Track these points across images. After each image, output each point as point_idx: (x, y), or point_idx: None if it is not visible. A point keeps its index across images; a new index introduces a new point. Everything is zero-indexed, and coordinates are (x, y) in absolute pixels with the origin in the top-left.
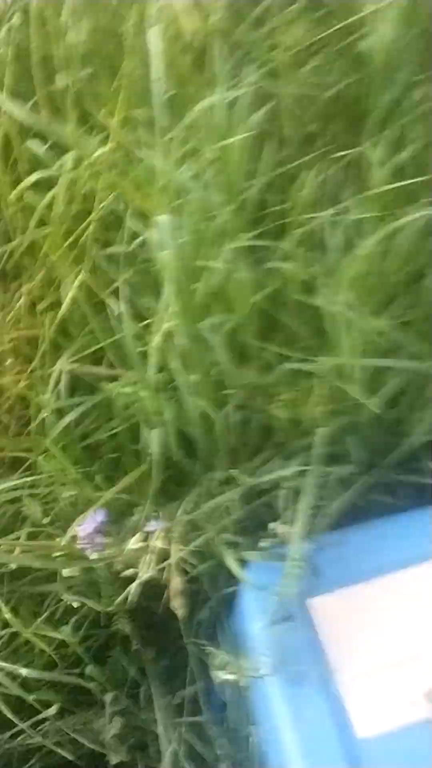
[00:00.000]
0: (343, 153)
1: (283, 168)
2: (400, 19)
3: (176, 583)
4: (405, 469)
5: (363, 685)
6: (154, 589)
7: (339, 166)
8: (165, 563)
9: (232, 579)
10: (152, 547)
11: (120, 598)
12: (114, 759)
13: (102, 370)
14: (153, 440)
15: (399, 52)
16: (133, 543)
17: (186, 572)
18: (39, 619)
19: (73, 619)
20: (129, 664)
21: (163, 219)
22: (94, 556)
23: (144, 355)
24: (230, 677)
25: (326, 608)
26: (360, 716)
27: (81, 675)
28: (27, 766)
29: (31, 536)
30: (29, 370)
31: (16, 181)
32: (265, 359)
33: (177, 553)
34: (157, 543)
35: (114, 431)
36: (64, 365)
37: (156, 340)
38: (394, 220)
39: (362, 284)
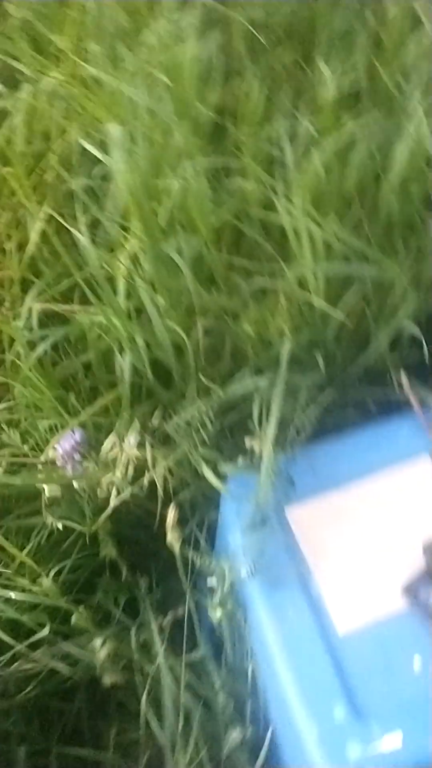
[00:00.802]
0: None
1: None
2: None
3: (171, 517)
4: (370, 382)
5: (341, 583)
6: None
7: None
8: (145, 475)
9: (210, 497)
10: (129, 455)
11: (103, 516)
12: (107, 679)
13: (67, 307)
14: (124, 366)
15: None
16: (107, 447)
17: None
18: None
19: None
20: (118, 591)
21: (114, 129)
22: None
23: (113, 283)
24: (214, 582)
25: (302, 514)
26: (339, 613)
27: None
28: (24, 692)
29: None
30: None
31: None
32: (231, 279)
33: (158, 461)
34: (133, 450)
35: (88, 360)
36: (33, 301)
37: (122, 265)
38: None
39: (318, 194)
